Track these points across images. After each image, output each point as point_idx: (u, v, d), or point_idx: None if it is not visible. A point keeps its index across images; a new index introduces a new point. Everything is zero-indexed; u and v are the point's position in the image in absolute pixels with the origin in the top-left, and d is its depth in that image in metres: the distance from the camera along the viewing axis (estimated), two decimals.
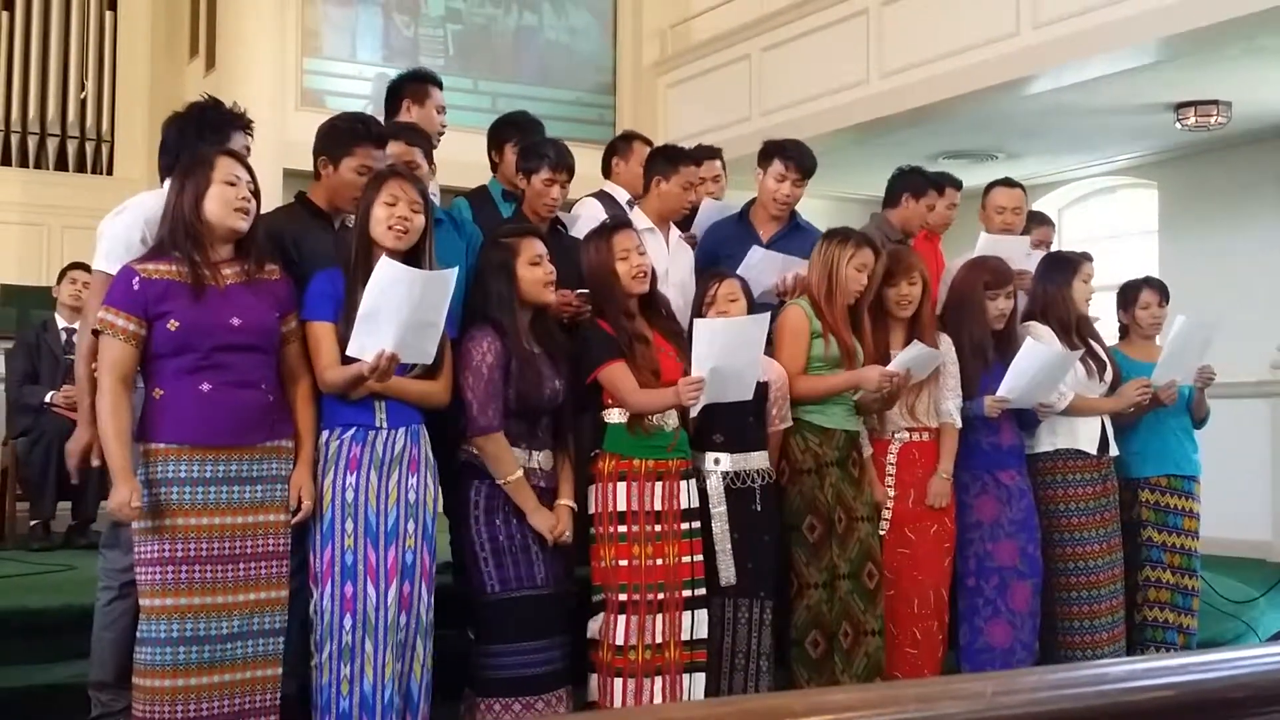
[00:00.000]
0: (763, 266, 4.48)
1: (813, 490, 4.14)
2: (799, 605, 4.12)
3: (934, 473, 4.35)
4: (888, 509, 4.31)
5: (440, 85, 4.68)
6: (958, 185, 5.55)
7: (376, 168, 3.70)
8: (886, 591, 4.24)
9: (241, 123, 3.68)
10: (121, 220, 3.50)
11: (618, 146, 5.15)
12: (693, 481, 3.86)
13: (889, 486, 4.34)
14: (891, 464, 4.35)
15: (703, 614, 3.81)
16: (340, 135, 3.78)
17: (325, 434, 3.43)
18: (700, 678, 3.81)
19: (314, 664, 3.38)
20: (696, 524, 3.84)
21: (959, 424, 4.41)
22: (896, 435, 4.37)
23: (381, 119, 4.32)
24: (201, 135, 3.57)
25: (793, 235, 4.77)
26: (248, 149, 3.65)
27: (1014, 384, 4.37)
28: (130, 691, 3.29)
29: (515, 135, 4.71)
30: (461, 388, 3.55)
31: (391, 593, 3.38)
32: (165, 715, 3.14)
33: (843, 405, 4.23)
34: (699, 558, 3.83)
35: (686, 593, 3.78)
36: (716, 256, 4.70)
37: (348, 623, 3.35)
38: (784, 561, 4.15)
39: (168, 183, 3.56)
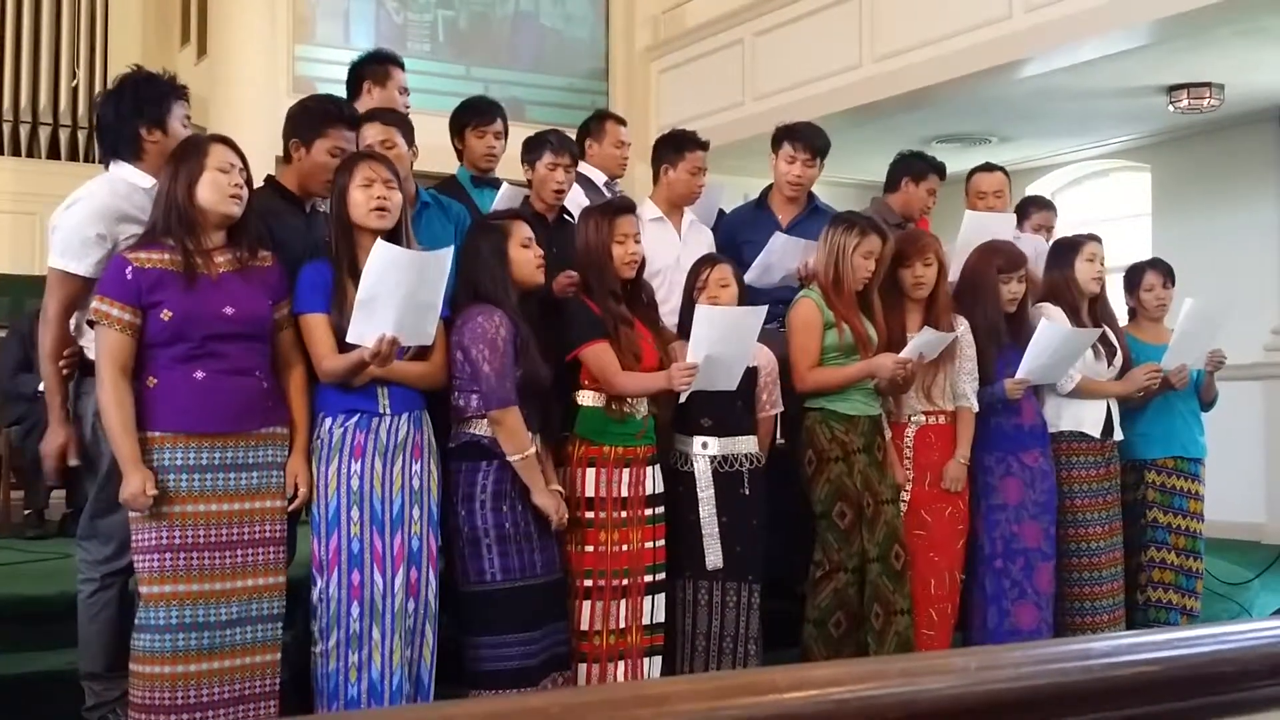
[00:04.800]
0: (785, 252, 4.50)
1: (841, 478, 4.16)
2: (825, 587, 4.15)
3: (951, 456, 4.38)
4: (906, 491, 4.33)
5: (402, 66, 4.62)
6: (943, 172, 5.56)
7: (349, 149, 3.68)
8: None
9: (178, 92, 3.60)
10: (74, 215, 3.41)
11: (590, 127, 5.10)
12: (658, 467, 3.87)
13: (906, 469, 4.36)
14: (909, 447, 4.38)
15: (661, 598, 3.83)
16: (312, 117, 3.75)
17: (328, 421, 3.42)
18: (658, 661, 3.84)
19: (318, 651, 3.37)
20: (660, 509, 3.86)
21: (975, 407, 4.43)
22: (913, 419, 4.40)
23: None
24: (140, 110, 3.49)
25: (812, 218, 4.77)
26: (188, 118, 3.60)
27: (1032, 364, 4.40)
28: (122, 679, 3.30)
29: (473, 118, 4.66)
30: (475, 361, 3.51)
31: (398, 579, 3.39)
32: (165, 701, 3.15)
33: (863, 391, 4.25)
34: (661, 543, 3.85)
35: (648, 578, 3.79)
36: (735, 242, 4.72)
37: (355, 610, 3.35)
38: (802, 545, 4.20)
39: (114, 167, 3.51)
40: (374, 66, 4.55)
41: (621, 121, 5.14)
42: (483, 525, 3.56)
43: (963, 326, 4.45)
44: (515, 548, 3.57)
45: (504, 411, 3.52)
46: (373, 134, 3.90)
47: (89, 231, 3.36)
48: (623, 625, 3.75)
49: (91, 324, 3.24)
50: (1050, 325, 4.41)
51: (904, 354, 4.14)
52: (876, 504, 4.18)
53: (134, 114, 3.50)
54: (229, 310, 3.24)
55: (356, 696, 3.35)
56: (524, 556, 3.58)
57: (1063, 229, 5.67)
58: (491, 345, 3.51)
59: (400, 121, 4.01)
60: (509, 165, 4.69)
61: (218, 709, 3.19)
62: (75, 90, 10.81)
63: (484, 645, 3.57)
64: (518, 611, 3.55)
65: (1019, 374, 4.41)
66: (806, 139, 4.75)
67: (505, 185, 4.49)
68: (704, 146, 4.73)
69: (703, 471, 3.95)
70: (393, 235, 3.47)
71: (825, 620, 4.14)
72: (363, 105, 4.43)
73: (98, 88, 10.83)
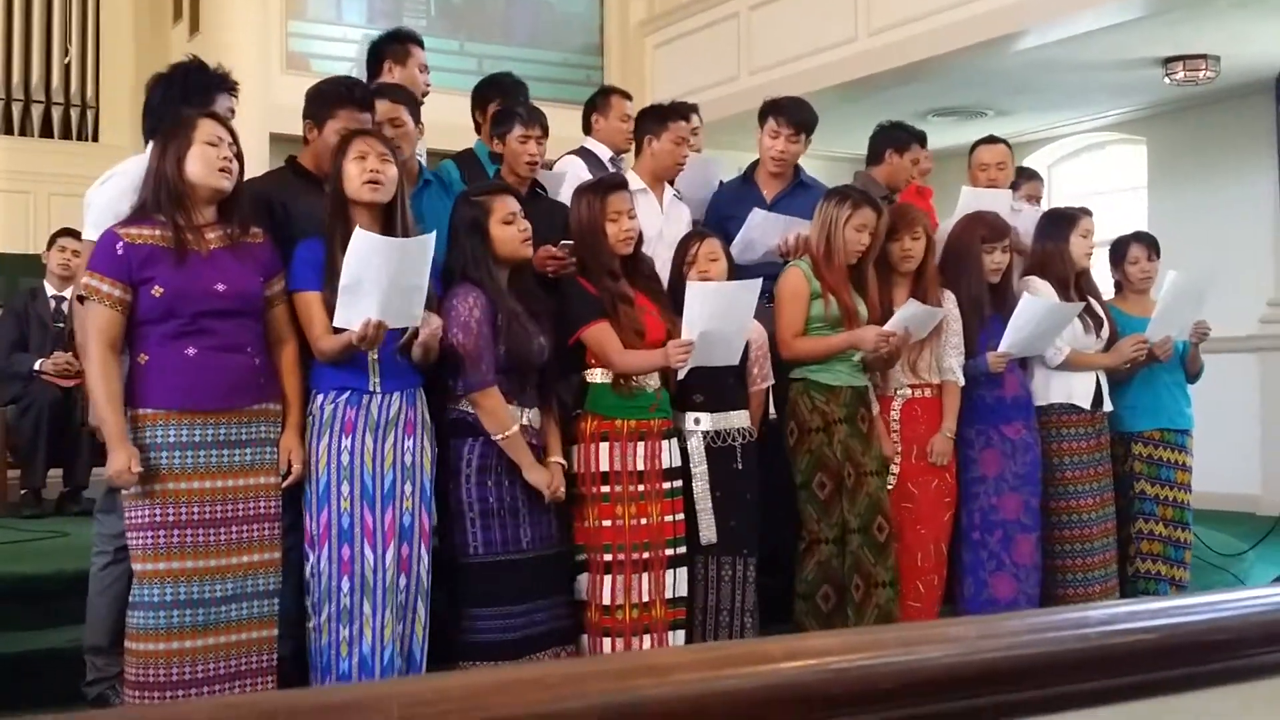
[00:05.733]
0: (765, 228, 4.48)
1: (821, 448, 4.16)
2: (809, 561, 4.15)
3: (937, 430, 4.37)
4: (895, 464, 4.33)
5: (422, 44, 4.65)
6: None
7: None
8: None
9: (226, 84, 3.67)
10: (107, 190, 3.47)
11: (596, 102, 5.08)
12: (674, 441, 3.86)
13: (894, 442, 4.36)
14: (895, 421, 4.38)
15: (684, 572, 3.83)
16: (325, 98, 3.77)
17: (320, 397, 3.43)
18: (682, 635, 3.83)
19: (311, 626, 3.39)
20: (678, 483, 3.85)
21: (961, 381, 4.43)
22: (899, 392, 4.39)
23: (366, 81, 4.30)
24: (186, 98, 3.55)
25: (797, 193, 4.75)
26: (232, 111, 3.64)
27: (1014, 338, 4.39)
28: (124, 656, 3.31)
29: (499, 96, 4.68)
30: (450, 345, 3.51)
31: (389, 555, 3.38)
32: (159, 678, 3.15)
33: (847, 362, 4.24)
34: (680, 516, 3.84)
35: (669, 551, 3.79)
36: (721, 217, 4.70)
37: (345, 585, 3.36)
38: (792, 519, 4.18)
39: (152, 146, 3.55)
40: (394, 45, 4.57)
41: (627, 96, 5.12)
42: (467, 500, 3.58)
43: (950, 301, 4.45)
44: (499, 522, 3.57)
45: (481, 394, 3.55)
46: (380, 110, 3.91)
47: (122, 206, 3.38)
48: (646, 599, 3.74)
49: (81, 299, 3.23)
50: (1032, 299, 4.40)
51: (889, 325, 4.13)
52: (859, 475, 4.17)
53: (179, 99, 3.55)
54: (220, 287, 3.24)
55: (348, 671, 3.36)
56: (506, 531, 3.58)
57: (1059, 202, 5.67)
58: (464, 328, 3.52)
59: (408, 99, 4.02)
60: None
61: (213, 685, 3.19)
62: (68, 68, 10.76)
63: (471, 617, 3.59)
64: (498, 586, 3.56)
65: (1000, 348, 4.41)
66: (790, 114, 4.72)
67: None
68: (686, 117, 4.69)
69: (695, 447, 3.94)
70: (389, 210, 3.46)
71: (813, 594, 4.14)
72: None
73: (90, 65, 10.80)
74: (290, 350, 3.44)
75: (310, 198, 3.70)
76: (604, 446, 3.76)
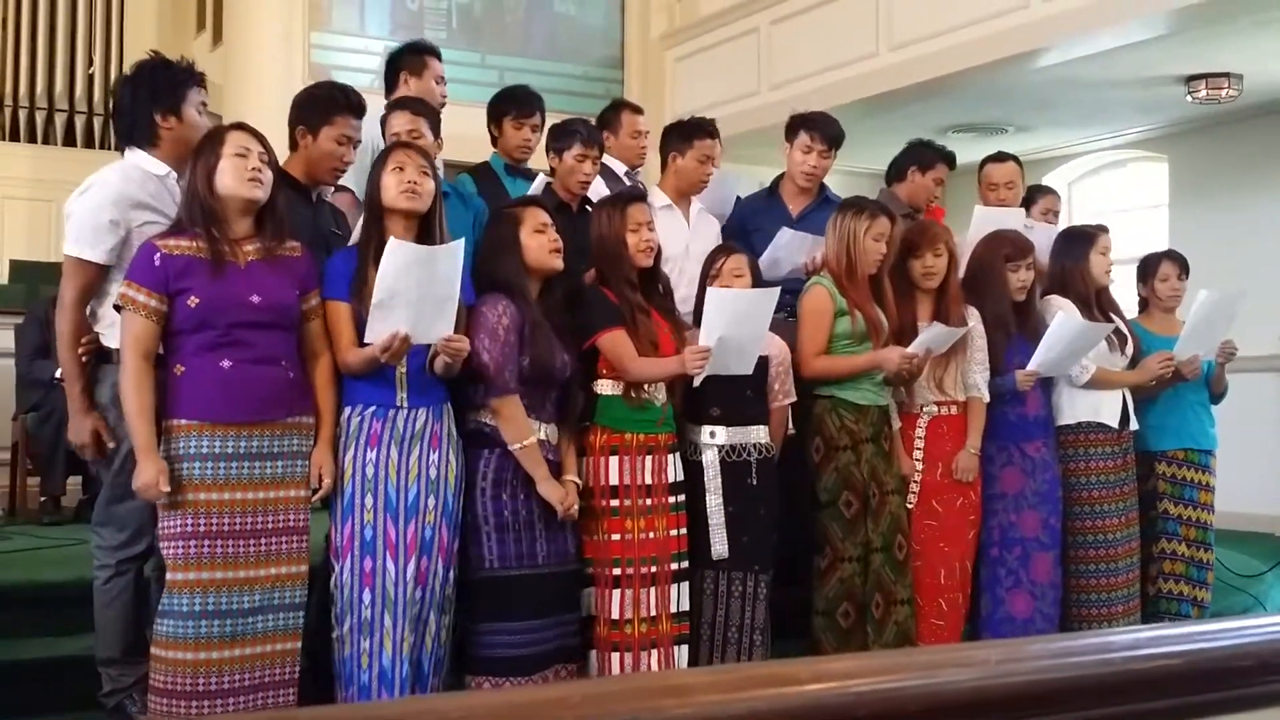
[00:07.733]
0: (792, 247, 4.49)
1: (849, 467, 4.16)
2: (831, 578, 4.15)
3: (962, 446, 4.37)
4: (915, 481, 4.32)
5: (439, 56, 4.66)
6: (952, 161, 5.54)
7: (355, 138, 3.72)
8: (914, 563, 4.27)
9: (194, 78, 3.62)
10: (86, 202, 3.43)
11: (606, 118, 5.10)
12: (678, 455, 3.87)
13: (917, 460, 4.35)
14: (920, 437, 4.37)
15: (686, 586, 3.84)
16: (319, 104, 3.77)
17: (347, 410, 3.45)
18: (685, 649, 3.83)
19: (335, 637, 3.41)
20: (682, 497, 3.86)
21: (986, 398, 4.42)
22: (925, 409, 4.39)
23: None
24: (156, 96, 3.52)
25: (823, 208, 4.75)
26: (204, 104, 3.62)
27: (1045, 357, 4.39)
28: (138, 665, 3.32)
29: (514, 109, 4.69)
30: (476, 351, 3.50)
31: (410, 568, 3.39)
32: (186, 687, 3.17)
33: (873, 381, 4.25)
34: (684, 531, 3.85)
35: (674, 566, 3.79)
36: (745, 230, 4.71)
37: (367, 597, 3.37)
38: (808, 533, 4.18)
39: (129, 153, 3.54)
40: (410, 57, 4.59)
41: (638, 110, 5.12)
42: (483, 513, 3.58)
43: (974, 318, 4.44)
44: (514, 536, 3.57)
45: (501, 401, 3.55)
46: (400, 123, 3.92)
47: (102, 218, 3.38)
48: (654, 613, 3.74)
49: (119, 308, 3.25)
50: (1067, 317, 4.39)
51: (911, 348, 4.13)
52: (882, 494, 4.18)
53: (150, 100, 3.52)
54: (255, 299, 3.25)
55: (368, 683, 3.37)
56: (522, 545, 3.58)
57: (1080, 220, 5.64)
58: (492, 334, 3.53)
59: (428, 112, 4.03)
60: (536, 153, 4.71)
61: (238, 696, 3.20)
62: (91, 77, 10.84)
63: (483, 632, 3.58)
64: (512, 600, 3.55)
65: (1030, 366, 4.40)
66: (824, 129, 4.73)
67: (540, 177, 4.51)
68: (713, 135, 4.71)
69: (710, 461, 3.95)
70: (425, 221, 3.48)
71: (833, 611, 4.14)
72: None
73: (114, 75, 10.87)
74: (325, 364, 3.45)
75: (300, 207, 3.68)
76: (614, 460, 3.76)
